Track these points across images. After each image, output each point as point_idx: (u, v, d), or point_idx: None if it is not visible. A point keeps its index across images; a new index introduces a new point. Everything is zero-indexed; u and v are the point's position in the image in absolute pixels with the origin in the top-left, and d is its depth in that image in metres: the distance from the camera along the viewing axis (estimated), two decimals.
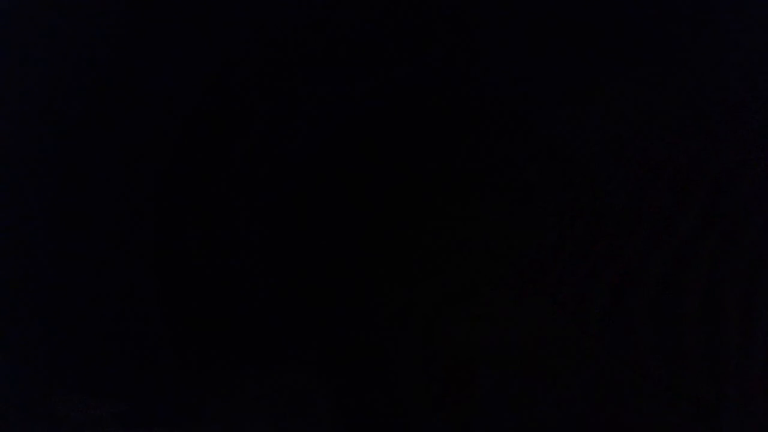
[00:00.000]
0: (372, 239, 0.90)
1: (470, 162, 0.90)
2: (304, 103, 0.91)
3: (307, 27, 0.92)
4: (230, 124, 0.92)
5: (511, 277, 0.90)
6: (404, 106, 0.91)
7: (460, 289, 0.90)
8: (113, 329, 0.92)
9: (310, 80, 0.91)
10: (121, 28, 0.93)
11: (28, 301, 0.93)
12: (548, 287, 0.89)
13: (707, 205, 0.90)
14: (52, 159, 0.93)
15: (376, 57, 0.91)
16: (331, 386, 0.90)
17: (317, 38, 0.92)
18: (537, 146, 0.90)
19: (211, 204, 0.92)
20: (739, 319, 0.90)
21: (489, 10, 0.91)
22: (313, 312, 0.90)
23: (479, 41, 0.91)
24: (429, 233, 0.90)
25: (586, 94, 0.90)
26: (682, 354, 0.90)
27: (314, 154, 0.91)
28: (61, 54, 0.94)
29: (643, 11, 0.91)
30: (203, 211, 0.92)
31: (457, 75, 0.91)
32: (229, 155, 0.92)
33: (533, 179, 0.90)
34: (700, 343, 0.90)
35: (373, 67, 0.91)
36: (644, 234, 0.90)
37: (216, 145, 0.92)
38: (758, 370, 0.90)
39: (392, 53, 0.91)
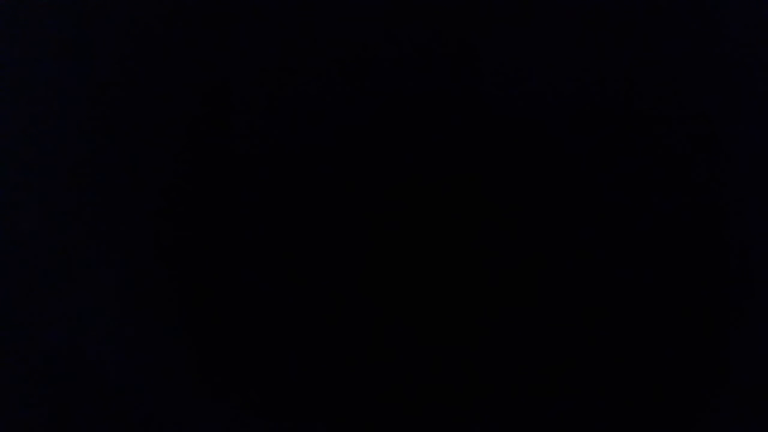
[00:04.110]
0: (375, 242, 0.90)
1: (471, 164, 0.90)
2: (307, 107, 0.91)
3: (309, 32, 0.92)
4: (233, 127, 0.92)
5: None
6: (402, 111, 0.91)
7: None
8: (115, 331, 0.92)
9: (313, 84, 0.91)
10: (124, 31, 0.93)
11: (28, 298, 0.93)
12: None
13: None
14: (55, 160, 0.94)
15: (377, 61, 0.92)
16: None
17: (319, 43, 0.92)
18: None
19: (214, 207, 0.92)
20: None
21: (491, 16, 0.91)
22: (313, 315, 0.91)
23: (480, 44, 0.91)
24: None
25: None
26: (679, 352, 0.90)
27: (317, 158, 0.91)
28: (63, 55, 0.94)
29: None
30: (205, 213, 0.92)
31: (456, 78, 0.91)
32: (233, 160, 0.92)
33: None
34: (698, 341, 0.90)
35: (375, 72, 0.91)
36: (638, 228, 0.90)
37: (219, 148, 0.92)
38: (758, 370, 0.90)
39: (394, 56, 0.91)
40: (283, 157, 0.91)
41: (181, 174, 0.92)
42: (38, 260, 0.93)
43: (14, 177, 0.94)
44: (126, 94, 0.93)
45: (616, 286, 0.90)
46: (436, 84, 0.91)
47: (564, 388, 0.89)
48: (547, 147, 0.90)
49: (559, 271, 0.89)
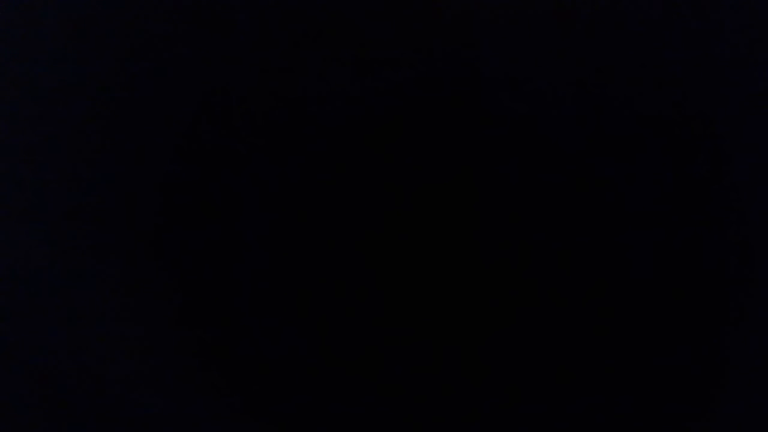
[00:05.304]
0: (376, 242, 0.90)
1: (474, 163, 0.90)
2: (307, 108, 0.91)
3: (309, 33, 0.92)
4: (233, 129, 0.92)
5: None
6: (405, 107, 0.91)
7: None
8: (115, 331, 0.92)
9: (313, 80, 0.91)
10: (122, 29, 0.93)
11: (26, 298, 0.93)
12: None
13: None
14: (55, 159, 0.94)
15: (378, 56, 0.91)
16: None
17: (319, 38, 0.92)
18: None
19: (215, 207, 0.92)
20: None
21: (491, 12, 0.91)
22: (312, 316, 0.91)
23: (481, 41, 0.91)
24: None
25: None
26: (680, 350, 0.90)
27: (318, 157, 0.91)
28: (63, 55, 0.94)
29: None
30: (206, 214, 0.92)
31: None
32: (234, 158, 0.92)
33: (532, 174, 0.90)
34: (698, 340, 0.90)
35: (376, 67, 0.91)
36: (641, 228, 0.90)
37: (220, 149, 0.92)
38: (758, 369, 0.90)
39: (395, 52, 0.91)
40: (284, 159, 0.91)
41: (183, 174, 0.92)
42: (38, 260, 0.93)
43: (14, 177, 0.94)
44: (126, 94, 0.93)
45: (617, 286, 0.90)
46: (437, 85, 0.91)
47: (563, 388, 0.89)
48: (548, 148, 0.90)
49: (560, 270, 0.89)
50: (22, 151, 0.94)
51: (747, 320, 0.90)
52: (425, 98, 0.91)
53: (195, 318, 0.91)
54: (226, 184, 0.91)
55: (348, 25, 0.92)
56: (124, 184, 0.93)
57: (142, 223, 0.92)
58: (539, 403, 0.89)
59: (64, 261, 0.93)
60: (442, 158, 0.90)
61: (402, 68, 0.91)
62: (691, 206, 0.90)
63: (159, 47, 0.92)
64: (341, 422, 0.90)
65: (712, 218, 0.90)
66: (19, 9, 0.94)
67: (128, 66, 0.92)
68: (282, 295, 0.91)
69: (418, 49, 0.91)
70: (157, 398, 0.91)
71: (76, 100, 0.93)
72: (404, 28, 0.91)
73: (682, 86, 0.91)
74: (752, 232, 0.90)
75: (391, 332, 0.90)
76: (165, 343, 0.91)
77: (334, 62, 0.91)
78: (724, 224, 0.90)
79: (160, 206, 0.92)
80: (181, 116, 0.92)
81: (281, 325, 0.91)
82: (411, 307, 0.90)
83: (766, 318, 0.90)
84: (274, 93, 0.92)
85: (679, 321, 0.89)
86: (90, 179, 0.93)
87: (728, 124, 0.91)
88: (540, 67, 0.91)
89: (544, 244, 0.90)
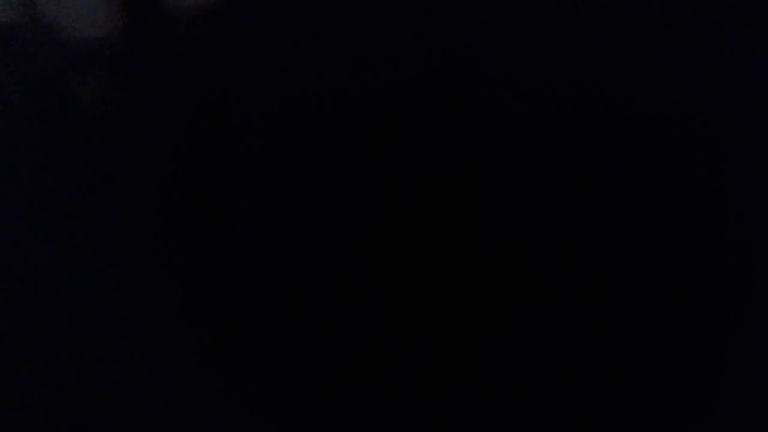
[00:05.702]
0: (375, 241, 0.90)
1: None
2: (307, 104, 0.91)
3: (308, 27, 0.92)
4: (233, 126, 0.92)
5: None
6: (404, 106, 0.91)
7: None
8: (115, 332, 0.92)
9: (313, 80, 0.91)
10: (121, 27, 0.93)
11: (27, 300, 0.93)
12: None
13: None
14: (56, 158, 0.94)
15: (377, 55, 0.91)
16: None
17: (319, 38, 0.92)
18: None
19: (214, 207, 0.92)
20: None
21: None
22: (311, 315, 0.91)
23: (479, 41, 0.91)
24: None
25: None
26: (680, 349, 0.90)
27: (316, 156, 0.91)
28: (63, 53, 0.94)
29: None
30: (206, 213, 0.92)
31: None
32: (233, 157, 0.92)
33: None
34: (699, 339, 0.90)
35: (375, 66, 0.91)
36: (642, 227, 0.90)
37: (220, 148, 0.92)
38: (758, 368, 0.90)
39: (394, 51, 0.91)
40: (284, 159, 0.91)
41: (183, 174, 0.92)
42: (38, 260, 0.93)
43: (14, 177, 0.94)
44: (126, 94, 0.93)
45: (616, 286, 0.90)
46: (437, 85, 0.91)
47: (563, 388, 0.89)
48: (548, 147, 0.90)
49: (560, 270, 0.89)
50: (22, 151, 0.94)
51: (747, 320, 0.90)
52: (425, 98, 0.91)
53: (195, 318, 0.91)
54: (226, 184, 0.91)
55: (348, 25, 0.92)
56: (124, 184, 0.93)
57: (142, 223, 0.92)
58: (539, 403, 0.89)
59: (64, 261, 0.93)
60: (442, 158, 0.90)
61: (402, 68, 0.91)
62: (691, 206, 0.90)
63: (159, 47, 0.92)
64: (341, 422, 0.90)
65: (712, 218, 0.90)
66: (19, 9, 0.94)
67: (128, 66, 0.92)
68: (282, 295, 0.91)
69: (418, 49, 0.91)
70: (157, 398, 0.91)
71: (76, 99, 0.93)
72: (404, 28, 0.91)
73: (682, 86, 0.91)
74: (752, 232, 0.90)
75: (391, 332, 0.90)
76: (165, 343, 0.91)
77: (334, 62, 0.91)
78: (724, 224, 0.90)
79: (160, 206, 0.92)
80: (181, 116, 0.92)
81: (281, 325, 0.91)
82: (411, 306, 0.90)
83: (766, 318, 0.90)
84: (274, 93, 0.92)
85: (679, 321, 0.89)
86: (90, 179, 0.93)
87: (728, 124, 0.91)
88: (540, 67, 0.91)
89: (543, 244, 0.90)
